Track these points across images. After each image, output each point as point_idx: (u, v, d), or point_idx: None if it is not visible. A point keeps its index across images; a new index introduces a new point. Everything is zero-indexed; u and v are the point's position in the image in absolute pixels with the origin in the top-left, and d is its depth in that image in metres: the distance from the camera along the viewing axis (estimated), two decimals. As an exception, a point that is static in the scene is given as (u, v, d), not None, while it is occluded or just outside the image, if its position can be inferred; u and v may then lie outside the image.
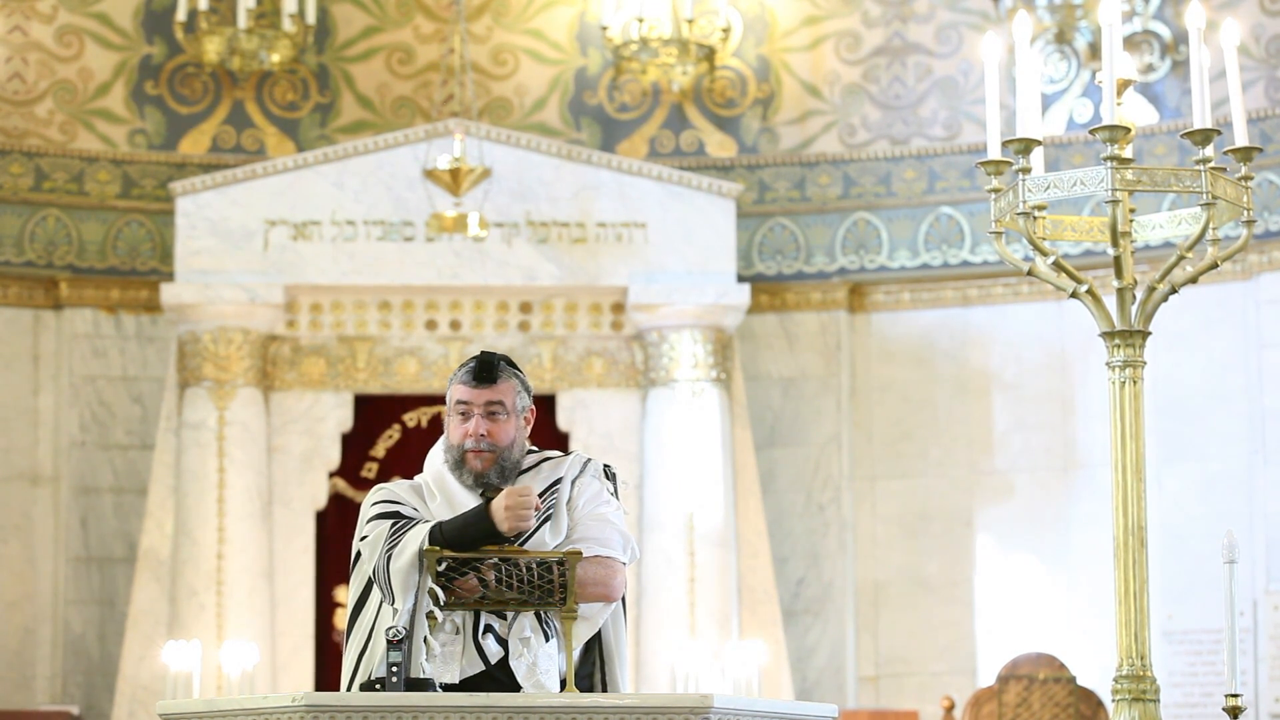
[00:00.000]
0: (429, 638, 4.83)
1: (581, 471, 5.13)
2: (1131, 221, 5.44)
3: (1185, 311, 11.15)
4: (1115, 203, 5.29)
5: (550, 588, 4.82)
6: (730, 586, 13.08)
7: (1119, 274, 5.34)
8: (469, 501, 5.00)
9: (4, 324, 13.48)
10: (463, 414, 5.04)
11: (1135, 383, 5.34)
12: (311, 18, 13.84)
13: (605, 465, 5.18)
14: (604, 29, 13.91)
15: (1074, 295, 5.36)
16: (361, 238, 13.13)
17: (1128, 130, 5.30)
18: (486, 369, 5.05)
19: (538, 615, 4.95)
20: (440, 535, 4.87)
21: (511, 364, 5.13)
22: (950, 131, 13.90)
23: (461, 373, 5.08)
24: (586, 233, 13.21)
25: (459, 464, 5.04)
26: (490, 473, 5.01)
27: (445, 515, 4.98)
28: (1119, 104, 5.32)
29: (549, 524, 5.02)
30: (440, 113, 13.71)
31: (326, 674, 12.94)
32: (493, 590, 4.84)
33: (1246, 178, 5.37)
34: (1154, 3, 13.47)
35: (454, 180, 12.44)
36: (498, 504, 4.87)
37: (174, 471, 13.05)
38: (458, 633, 4.93)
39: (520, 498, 4.86)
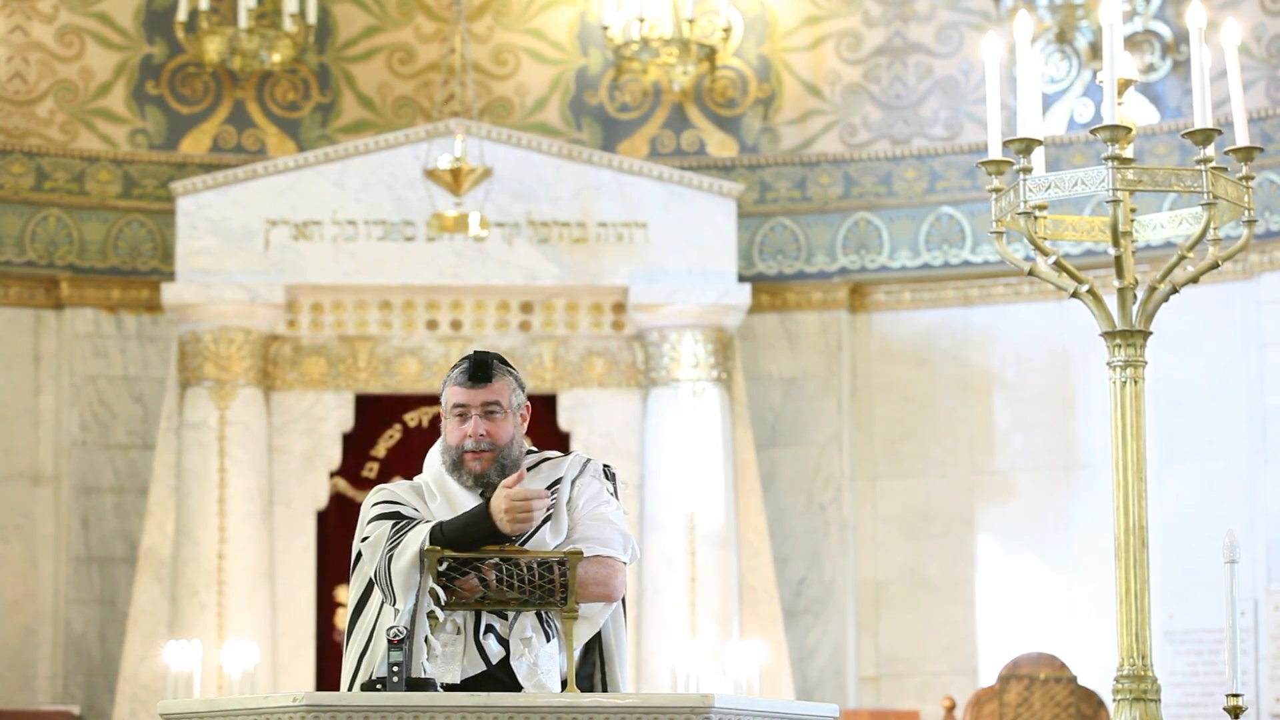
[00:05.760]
0: (430, 638, 4.83)
1: (581, 471, 5.13)
2: (1132, 221, 5.44)
3: (1186, 311, 11.15)
4: (1116, 202, 5.29)
5: (551, 587, 4.82)
6: (731, 586, 13.08)
7: (1120, 274, 5.34)
8: (469, 502, 5.00)
9: (5, 324, 13.47)
10: (460, 415, 5.04)
11: (1136, 382, 5.34)
12: (312, 17, 13.83)
13: (605, 465, 5.18)
14: (605, 29, 13.91)
15: (1075, 295, 5.36)
16: (362, 237, 13.13)
17: (1129, 130, 5.30)
18: (481, 369, 5.05)
19: (539, 615, 4.95)
20: (441, 535, 4.87)
21: (504, 361, 5.12)
22: (951, 131, 13.90)
23: (456, 374, 5.08)
24: (587, 233, 13.20)
25: (457, 465, 5.04)
26: (490, 472, 5.01)
27: (445, 515, 4.97)
28: (1120, 104, 5.32)
29: (549, 524, 5.02)
30: (441, 112, 13.71)
31: (327, 674, 12.94)
32: (493, 590, 4.84)
33: (1247, 177, 5.37)
34: (1155, 2, 13.47)
35: (455, 180, 12.44)
36: (497, 505, 4.87)
37: (175, 471, 13.05)
38: (459, 632, 4.93)
39: (519, 501, 4.86)
